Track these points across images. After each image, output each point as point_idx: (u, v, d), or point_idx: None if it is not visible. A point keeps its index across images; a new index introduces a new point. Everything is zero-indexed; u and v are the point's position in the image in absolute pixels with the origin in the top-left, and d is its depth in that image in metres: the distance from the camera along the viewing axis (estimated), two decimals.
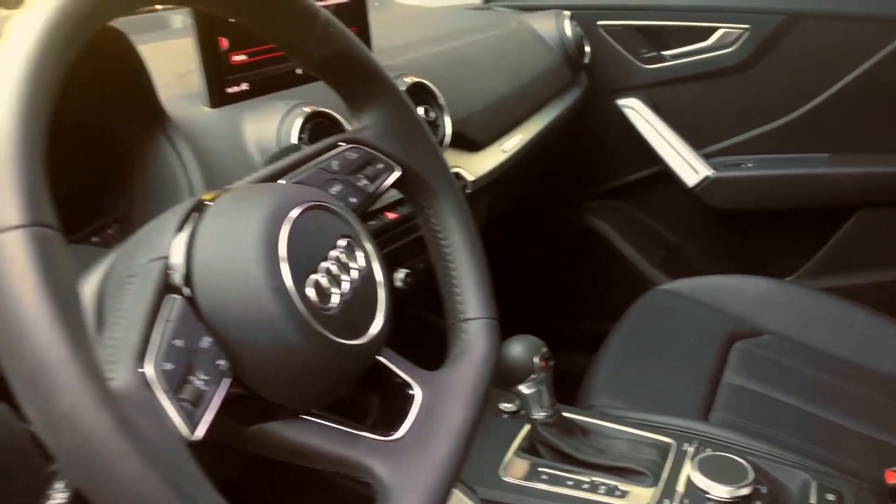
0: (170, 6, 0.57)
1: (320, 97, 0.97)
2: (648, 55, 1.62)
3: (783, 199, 1.63)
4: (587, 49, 1.56)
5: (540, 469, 0.94)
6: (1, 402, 0.56)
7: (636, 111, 1.63)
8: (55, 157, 0.46)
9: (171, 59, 0.99)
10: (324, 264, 0.55)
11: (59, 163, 0.50)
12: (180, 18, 1.32)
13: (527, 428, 1.01)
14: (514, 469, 0.95)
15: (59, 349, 0.38)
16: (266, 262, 0.51)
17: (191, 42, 0.89)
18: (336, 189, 0.64)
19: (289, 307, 0.51)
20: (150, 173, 0.82)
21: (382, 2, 1.62)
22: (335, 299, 0.54)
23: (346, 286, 0.55)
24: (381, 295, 0.59)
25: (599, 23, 1.61)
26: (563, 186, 1.75)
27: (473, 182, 1.14)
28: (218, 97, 0.90)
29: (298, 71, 1.00)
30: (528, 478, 0.94)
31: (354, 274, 0.57)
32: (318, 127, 0.91)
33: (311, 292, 0.53)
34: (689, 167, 1.61)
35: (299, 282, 0.52)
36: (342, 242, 0.57)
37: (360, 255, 0.58)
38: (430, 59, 1.17)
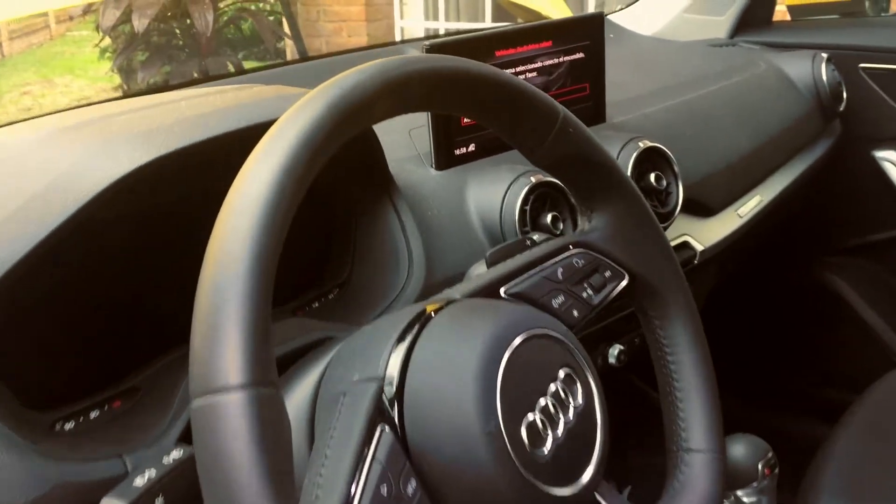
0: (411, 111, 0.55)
1: None
2: None
3: None
4: (844, 96, 1.40)
5: None
6: None
7: None
8: None
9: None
10: (541, 401, 0.51)
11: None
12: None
13: None
14: None
15: None
16: (482, 402, 0.48)
17: None
18: (559, 301, 0.60)
19: (500, 452, 0.48)
20: (373, 239, 0.81)
21: (617, 34, 1.55)
22: (549, 443, 0.50)
23: (561, 427, 0.51)
24: (599, 437, 0.54)
25: (862, 65, 1.45)
26: (797, 238, 1.60)
27: (702, 252, 1.05)
28: (445, 160, 0.89)
29: None
30: None
31: (571, 412, 0.53)
32: (542, 196, 0.87)
33: (524, 434, 0.49)
34: None
35: (514, 423, 0.49)
36: (562, 373, 0.53)
37: (579, 389, 0.54)
38: (667, 115, 1.10)
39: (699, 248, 1.05)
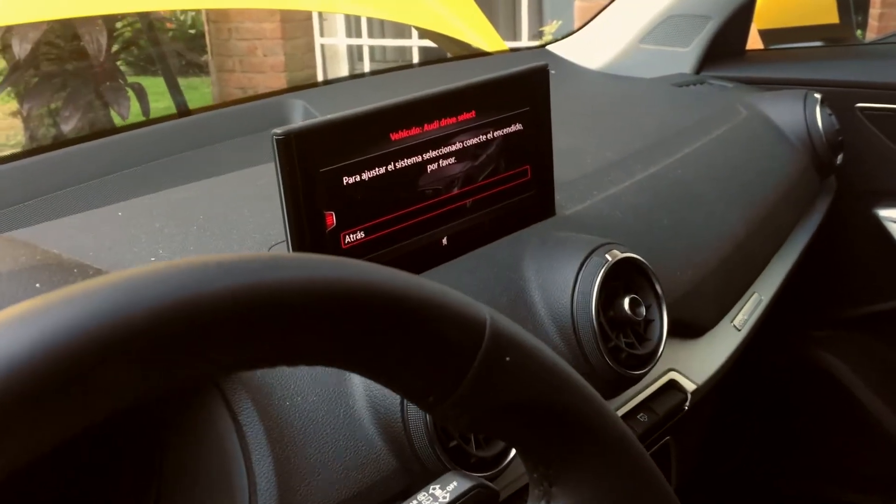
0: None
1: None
2: None
3: None
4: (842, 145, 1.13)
5: None
6: None
7: None
8: None
9: (265, 219, 0.67)
10: None
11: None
12: (301, 108, 1.02)
13: None
14: None
15: None
16: None
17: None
18: None
19: None
20: (190, 454, 0.50)
21: (560, 69, 1.26)
22: None
23: None
24: None
25: (859, 105, 1.18)
26: (783, 312, 1.33)
27: (694, 392, 0.76)
28: None
29: (444, 241, 0.66)
30: None
31: None
32: None
33: None
34: None
35: None
36: None
37: None
38: (637, 197, 0.80)
39: (690, 387, 0.76)
